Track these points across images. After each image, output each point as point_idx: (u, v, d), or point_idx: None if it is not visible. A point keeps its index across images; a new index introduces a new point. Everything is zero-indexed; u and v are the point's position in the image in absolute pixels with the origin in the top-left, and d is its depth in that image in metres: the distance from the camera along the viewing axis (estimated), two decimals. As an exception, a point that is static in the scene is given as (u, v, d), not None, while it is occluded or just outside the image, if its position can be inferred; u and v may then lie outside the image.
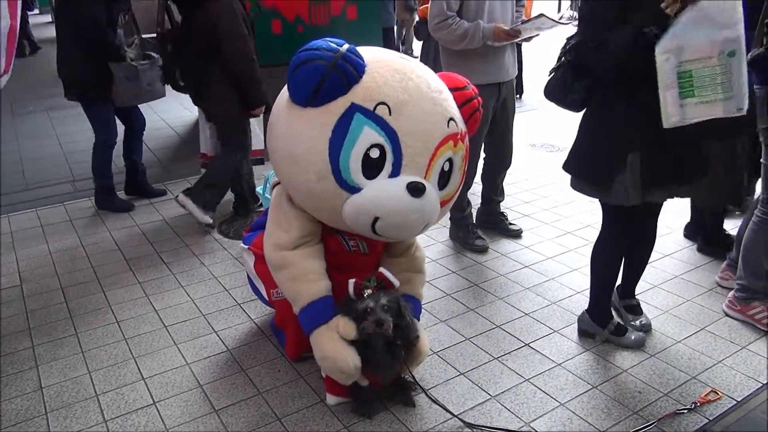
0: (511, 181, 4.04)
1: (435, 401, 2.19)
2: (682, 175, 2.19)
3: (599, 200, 2.35)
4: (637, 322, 2.59)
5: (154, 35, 3.84)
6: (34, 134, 6.02)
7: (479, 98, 2.18)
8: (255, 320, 2.76)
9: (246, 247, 2.47)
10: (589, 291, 2.58)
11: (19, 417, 2.19)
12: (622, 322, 2.57)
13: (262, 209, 3.83)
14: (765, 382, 2.25)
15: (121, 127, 4.04)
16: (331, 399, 2.20)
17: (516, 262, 3.25)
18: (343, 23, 4.58)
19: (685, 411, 2.11)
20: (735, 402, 2.17)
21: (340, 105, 1.87)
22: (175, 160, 5.16)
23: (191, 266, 3.28)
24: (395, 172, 1.89)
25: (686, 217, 3.47)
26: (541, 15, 2.86)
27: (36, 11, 16.25)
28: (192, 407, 2.21)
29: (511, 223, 3.59)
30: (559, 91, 2.26)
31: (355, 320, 1.99)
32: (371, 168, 1.88)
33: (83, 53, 3.63)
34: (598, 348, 2.50)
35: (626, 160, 2.14)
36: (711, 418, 2.09)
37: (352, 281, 2.03)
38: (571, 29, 2.47)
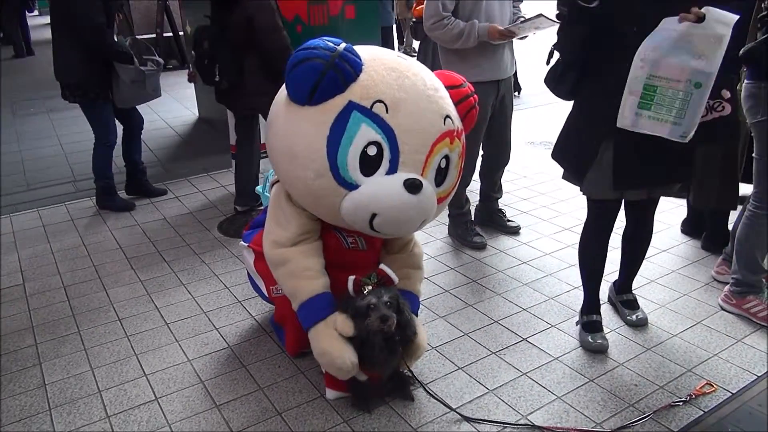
0: (509, 178, 4.06)
1: (433, 395, 2.21)
2: (657, 174, 2.22)
3: (582, 193, 2.39)
4: (634, 317, 2.62)
5: (153, 36, 3.85)
6: (35, 135, 6.05)
7: (475, 96, 2.20)
8: (255, 317, 2.78)
9: (245, 244, 2.49)
10: None
11: (24, 413, 2.22)
12: (600, 321, 2.53)
13: (261, 207, 3.85)
14: (759, 374, 2.28)
15: (120, 127, 4.07)
16: (330, 394, 2.22)
17: (514, 258, 3.27)
18: (341, 23, 4.60)
19: (681, 403, 2.14)
20: (730, 394, 2.19)
21: (337, 103, 1.90)
22: (175, 160, 5.19)
23: (192, 264, 3.31)
24: (392, 169, 1.92)
25: (683, 213, 3.49)
26: (540, 15, 2.87)
27: (36, 13, 16.25)
28: (193, 403, 2.24)
29: (509, 220, 3.61)
30: (552, 79, 2.35)
31: (356, 317, 2.00)
32: (369, 165, 1.90)
33: (82, 55, 3.64)
34: (595, 342, 2.52)
35: (598, 153, 2.21)
36: (706, 410, 2.12)
37: (351, 278, 2.04)
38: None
